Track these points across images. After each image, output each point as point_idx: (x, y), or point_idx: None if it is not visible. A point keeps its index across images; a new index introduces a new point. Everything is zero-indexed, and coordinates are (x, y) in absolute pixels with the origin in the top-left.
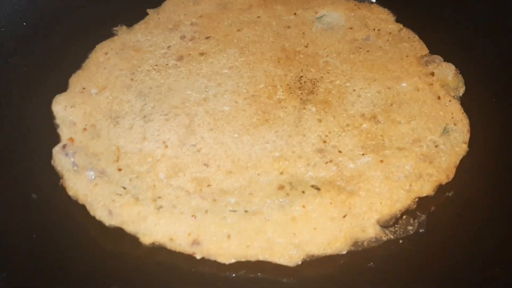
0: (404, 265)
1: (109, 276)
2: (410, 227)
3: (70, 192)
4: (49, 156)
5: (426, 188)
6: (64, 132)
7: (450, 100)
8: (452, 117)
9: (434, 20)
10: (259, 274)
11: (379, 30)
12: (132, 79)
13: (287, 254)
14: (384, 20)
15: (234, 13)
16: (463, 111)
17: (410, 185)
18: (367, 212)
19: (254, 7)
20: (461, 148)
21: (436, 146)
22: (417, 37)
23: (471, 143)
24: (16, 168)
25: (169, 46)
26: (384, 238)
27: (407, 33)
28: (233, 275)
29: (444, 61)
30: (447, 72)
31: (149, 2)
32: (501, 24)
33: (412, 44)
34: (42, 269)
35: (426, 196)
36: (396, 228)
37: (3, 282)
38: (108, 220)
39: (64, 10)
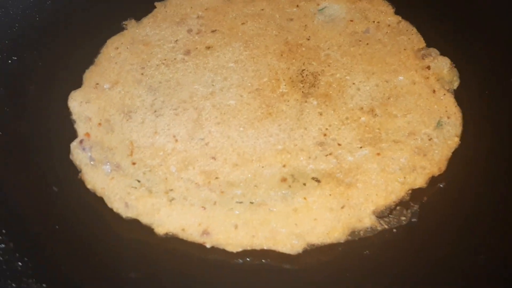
0: (397, 253)
1: (127, 264)
2: (403, 218)
3: (89, 186)
4: (68, 150)
5: (419, 181)
6: (81, 128)
7: (444, 94)
8: (446, 111)
9: (432, 12)
10: (263, 261)
11: (378, 22)
12: (142, 74)
13: (290, 243)
14: (383, 12)
15: (239, 6)
16: (456, 105)
17: (404, 177)
18: (363, 203)
19: None
20: (453, 141)
21: (430, 139)
22: (415, 30)
23: (463, 136)
24: (38, 162)
25: (176, 40)
26: (379, 228)
27: (405, 25)
28: (240, 261)
29: (440, 54)
30: (443, 65)
31: None
32: (497, 19)
33: (410, 37)
34: (65, 257)
35: (419, 188)
36: (390, 218)
37: (31, 269)
38: (125, 212)
39: (75, 5)
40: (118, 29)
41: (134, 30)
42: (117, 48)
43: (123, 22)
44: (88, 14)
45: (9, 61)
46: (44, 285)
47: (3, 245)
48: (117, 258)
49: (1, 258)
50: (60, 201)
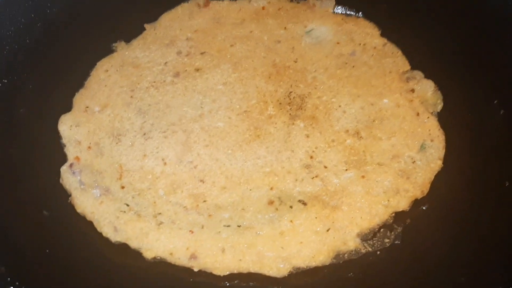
0: (381, 275)
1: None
2: (386, 240)
3: (78, 210)
4: (58, 174)
5: (403, 203)
6: (71, 151)
7: (428, 117)
8: (429, 134)
9: (417, 35)
10: (250, 283)
11: (364, 44)
12: (131, 96)
13: (276, 267)
14: (369, 34)
15: (228, 28)
16: (439, 128)
17: (388, 200)
18: (348, 226)
19: (247, 21)
20: (436, 164)
21: (413, 162)
22: (400, 52)
23: (446, 159)
24: (28, 186)
25: (166, 62)
26: (363, 251)
27: (390, 48)
28: (228, 284)
29: (425, 77)
30: (427, 88)
31: (146, 16)
32: (480, 43)
33: (395, 60)
34: (56, 281)
35: (402, 210)
36: (374, 241)
37: None
38: (114, 237)
39: (65, 28)
40: (108, 51)
41: (124, 52)
42: (107, 70)
43: (113, 44)
44: (78, 36)
45: None
46: None
47: None
48: (106, 282)
49: None
50: (50, 225)
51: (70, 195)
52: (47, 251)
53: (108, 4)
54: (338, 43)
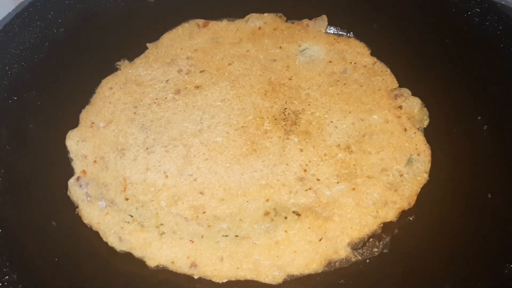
0: (370, 282)
1: None
2: (375, 249)
3: (85, 221)
4: (66, 187)
5: (390, 215)
6: (77, 165)
7: (415, 132)
8: (416, 148)
9: (405, 54)
10: None
11: (355, 63)
12: (135, 113)
13: (271, 275)
14: (360, 53)
15: (226, 47)
16: (426, 142)
17: (377, 211)
18: (339, 236)
19: (244, 41)
20: (422, 177)
21: (401, 175)
22: (389, 71)
23: (431, 172)
24: (38, 198)
25: (167, 80)
26: (353, 259)
27: (380, 66)
28: None
29: (412, 94)
30: (414, 105)
31: (148, 36)
32: (465, 62)
33: (384, 78)
34: (64, 287)
35: (390, 221)
36: (364, 250)
37: None
38: (119, 246)
39: (71, 47)
40: (112, 69)
41: (127, 70)
42: (111, 88)
43: (117, 63)
44: (84, 55)
45: (9, 101)
46: None
47: (7, 277)
48: None
49: None
50: (59, 235)
51: (77, 207)
52: (56, 259)
53: (112, 25)
54: (330, 61)
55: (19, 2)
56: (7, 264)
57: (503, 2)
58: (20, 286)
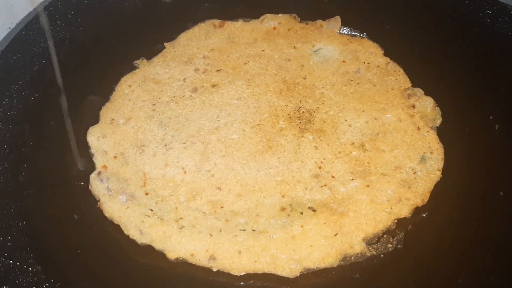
0: (384, 276)
1: (141, 286)
2: (390, 245)
3: (107, 214)
4: (87, 182)
5: (404, 211)
6: (98, 160)
7: (428, 131)
8: (429, 146)
9: (418, 55)
10: (265, 283)
11: (368, 63)
12: (153, 110)
13: (288, 268)
14: (373, 53)
15: (241, 47)
16: (439, 141)
17: (391, 208)
18: (354, 231)
19: (259, 41)
20: (436, 175)
21: (414, 173)
22: (402, 71)
23: (444, 170)
24: (60, 192)
25: (184, 78)
26: (368, 254)
27: (393, 66)
28: (243, 284)
29: (425, 94)
30: (427, 105)
31: (166, 36)
32: (476, 62)
33: (397, 78)
34: (86, 279)
35: (404, 217)
36: (378, 245)
37: None
38: (140, 239)
39: (91, 46)
40: (131, 68)
41: (146, 69)
42: (130, 86)
43: (135, 61)
44: (103, 54)
45: (32, 98)
46: None
47: (31, 268)
48: (132, 281)
49: (30, 280)
50: (81, 228)
51: (98, 201)
52: (79, 251)
53: (130, 24)
54: (344, 61)
55: (39, 2)
56: (31, 255)
57: None
58: (44, 277)
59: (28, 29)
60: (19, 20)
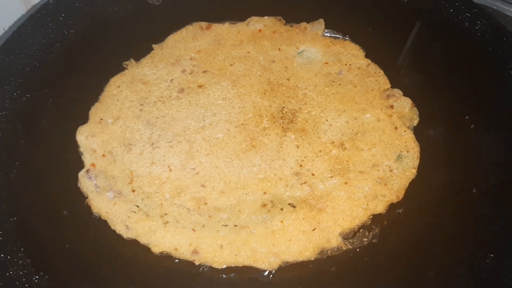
0: (360, 269)
1: (127, 278)
2: (365, 239)
3: (94, 210)
4: (76, 179)
5: (380, 207)
6: (87, 159)
7: (405, 130)
8: (406, 145)
9: (398, 57)
10: (245, 276)
11: (350, 65)
12: (141, 110)
13: (267, 261)
14: (355, 55)
15: (227, 49)
16: (415, 140)
17: (367, 204)
18: (332, 226)
19: (245, 43)
20: (411, 173)
21: (390, 171)
22: (382, 72)
23: (420, 168)
24: (50, 189)
25: (172, 79)
26: (344, 248)
27: (373, 68)
28: (225, 276)
29: (403, 94)
30: (405, 105)
31: (154, 37)
32: (453, 66)
33: (377, 79)
34: (75, 272)
35: (379, 213)
36: (354, 240)
37: (46, 282)
38: (126, 233)
39: (81, 47)
40: (120, 69)
41: (134, 70)
42: (119, 86)
43: (124, 62)
44: (93, 55)
45: (23, 98)
46: None
47: (22, 261)
48: (119, 273)
49: (20, 273)
50: (70, 224)
51: (86, 197)
52: (67, 246)
53: (119, 26)
54: (326, 63)
55: (31, 5)
56: (22, 249)
57: (494, 8)
58: (34, 269)
59: (20, 32)
60: (12, 22)
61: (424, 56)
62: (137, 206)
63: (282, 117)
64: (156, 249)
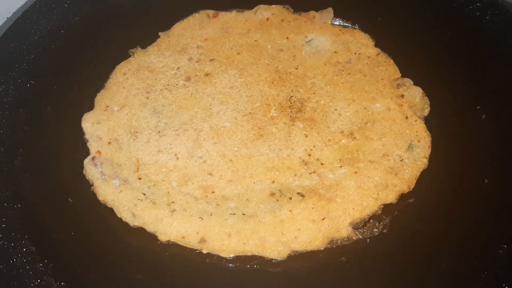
0: (370, 260)
1: (134, 267)
2: (375, 229)
3: (100, 198)
4: (81, 166)
5: (390, 197)
6: (93, 146)
7: (416, 120)
8: (417, 135)
9: (408, 45)
10: (253, 265)
11: (359, 54)
12: (147, 98)
13: (276, 250)
14: (364, 44)
15: (235, 37)
16: (426, 130)
17: (378, 193)
18: (341, 216)
19: (252, 31)
20: (422, 162)
21: (401, 160)
22: (391, 61)
23: (431, 158)
24: (55, 177)
25: (178, 67)
26: (354, 238)
27: (383, 57)
28: (232, 266)
29: (414, 84)
30: (415, 94)
31: (161, 25)
32: (464, 54)
33: (387, 68)
34: (80, 260)
35: (390, 203)
36: (364, 230)
37: (50, 270)
38: (132, 221)
39: (87, 34)
40: (126, 56)
41: (140, 58)
42: (125, 73)
43: (130, 50)
44: (99, 42)
45: (28, 85)
46: (62, 283)
47: (26, 249)
48: (125, 262)
49: (24, 260)
50: (75, 211)
51: (92, 185)
52: (72, 233)
53: (126, 14)
54: (335, 52)
55: None
56: (26, 237)
57: None
58: (38, 257)
59: (25, 18)
60: (16, 8)
61: (435, 46)
62: (144, 194)
63: (290, 106)
64: (163, 238)
